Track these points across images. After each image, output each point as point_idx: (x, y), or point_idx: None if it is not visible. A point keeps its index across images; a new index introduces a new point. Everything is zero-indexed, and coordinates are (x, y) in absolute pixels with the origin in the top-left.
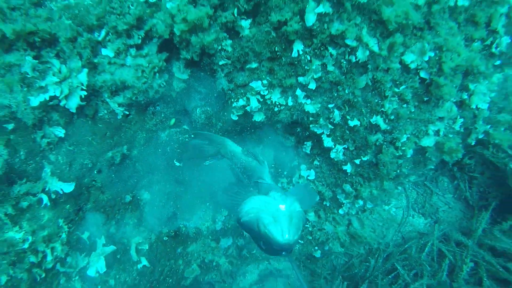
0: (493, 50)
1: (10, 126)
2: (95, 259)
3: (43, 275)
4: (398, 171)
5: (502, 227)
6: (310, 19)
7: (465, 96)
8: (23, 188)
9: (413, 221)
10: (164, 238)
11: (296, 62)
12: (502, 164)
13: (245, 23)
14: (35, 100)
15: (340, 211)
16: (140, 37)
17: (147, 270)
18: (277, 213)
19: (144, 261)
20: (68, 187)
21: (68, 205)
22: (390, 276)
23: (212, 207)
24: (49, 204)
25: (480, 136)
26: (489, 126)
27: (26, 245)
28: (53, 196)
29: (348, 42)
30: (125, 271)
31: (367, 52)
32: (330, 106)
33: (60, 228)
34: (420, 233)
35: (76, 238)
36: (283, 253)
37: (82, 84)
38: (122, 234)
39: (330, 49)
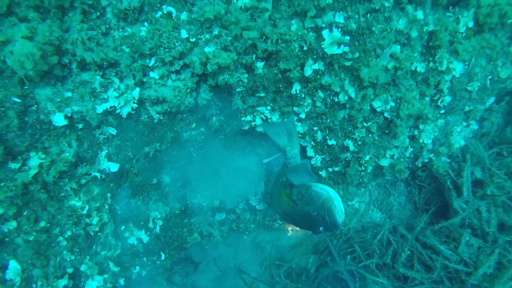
0: (439, 103)
1: (80, 126)
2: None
3: (92, 233)
4: (360, 180)
5: (433, 228)
6: (308, 71)
7: (416, 133)
8: (84, 170)
9: (372, 214)
10: (176, 211)
11: (293, 97)
12: (443, 180)
13: (260, 64)
14: (100, 108)
15: None
16: (180, 65)
17: (160, 234)
18: (337, 199)
19: (158, 228)
20: (114, 167)
21: (112, 184)
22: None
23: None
24: (100, 178)
25: (426, 161)
26: (432, 155)
27: (84, 212)
28: (103, 176)
29: (333, 88)
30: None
31: (346, 97)
32: (315, 128)
33: (106, 200)
34: (376, 224)
35: (114, 209)
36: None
37: (134, 99)
38: (146, 206)
39: (320, 92)
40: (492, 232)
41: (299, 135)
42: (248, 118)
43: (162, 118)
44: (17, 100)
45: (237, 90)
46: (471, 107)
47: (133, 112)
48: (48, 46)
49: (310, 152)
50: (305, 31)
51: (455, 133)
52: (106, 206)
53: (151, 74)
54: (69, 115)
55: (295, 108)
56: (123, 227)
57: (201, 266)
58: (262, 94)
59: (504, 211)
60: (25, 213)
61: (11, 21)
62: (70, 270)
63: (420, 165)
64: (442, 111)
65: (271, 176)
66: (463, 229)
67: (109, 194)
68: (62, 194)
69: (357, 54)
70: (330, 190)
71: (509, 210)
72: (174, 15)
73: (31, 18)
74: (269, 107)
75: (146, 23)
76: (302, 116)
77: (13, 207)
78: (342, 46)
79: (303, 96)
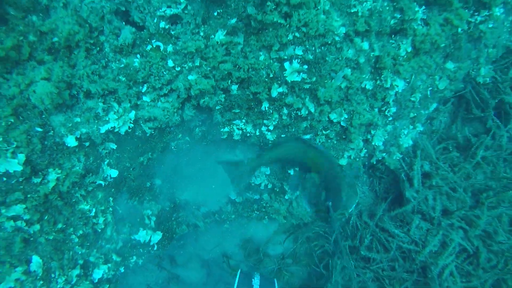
0: (386, 113)
1: (87, 144)
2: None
3: (99, 231)
4: None
5: (390, 214)
6: (274, 93)
7: (369, 137)
8: (90, 179)
9: None
10: (167, 208)
11: (263, 112)
12: (398, 172)
13: (235, 87)
14: (103, 129)
15: (286, 197)
16: (168, 90)
17: (153, 229)
18: None
19: (152, 223)
20: (114, 173)
21: (113, 189)
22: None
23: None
24: (104, 185)
25: (379, 158)
26: (384, 154)
27: (92, 214)
28: (106, 183)
29: (295, 106)
30: (139, 227)
31: (307, 112)
32: (282, 136)
33: (109, 203)
34: None
35: (115, 209)
36: None
37: (131, 119)
38: (141, 206)
39: (285, 109)
40: (437, 216)
41: (269, 143)
42: (226, 129)
43: (153, 132)
44: (39, 129)
45: (216, 108)
46: (416, 114)
47: (130, 130)
48: (62, 83)
49: None
50: (271, 61)
51: (403, 135)
52: (110, 208)
53: (144, 98)
54: (78, 136)
55: (265, 121)
56: (123, 224)
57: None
58: (237, 110)
59: (447, 198)
60: (45, 218)
61: (32, 65)
62: (81, 262)
63: (374, 163)
64: (390, 119)
65: None
66: (414, 214)
67: (111, 198)
68: (74, 200)
69: (314, 79)
70: None
71: (451, 198)
72: (162, 48)
73: (46, 60)
74: (243, 120)
75: (138, 55)
76: (271, 128)
77: (37, 214)
78: (301, 73)
79: (271, 111)
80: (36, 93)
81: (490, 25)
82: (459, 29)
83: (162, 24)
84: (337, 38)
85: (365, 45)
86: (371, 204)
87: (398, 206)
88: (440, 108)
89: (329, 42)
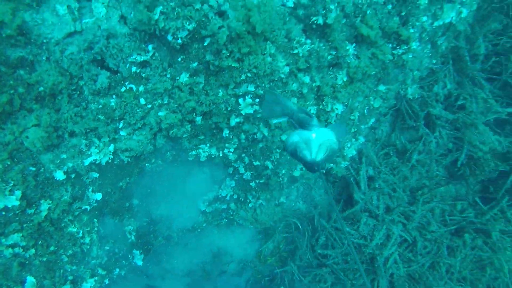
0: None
1: (73, 175)
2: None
3: (86, 250)
4: (280, 187)
5: (343, 214)
6: (232, 123)
7: None
8: (77, 205)
9: (299, 206)
10: (144, 224)
11: (224, 138)
12: (348, 177)
13: (199, 118)
14: (86, 162)
15: (250, 205)
16: (141, 124)
17: (134, 242)
18: (309, 140)
19: (133, 238)
20: (99, 195)
21: (96, 212)
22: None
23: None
24: (89, 209)
25: (328, 168)
26: (332, 164)
27: (80, 235)
28: (90, 207)
29: (251, 131)
30: (121, 242)
31: (262, 135)
32: (242, 155)
33: (93, 224)
34: (303, 212)
35: (99, 230)
36: (316, 168)
37: (110, 152)
38: (121, 223)
39: (242, 135)
40: (381, 214)
41: (232, 162)
42: (194, 152)
43: (130, 160)
44: (32, 168)
45: (184, 136)
46: (356, 129)
47: (110, 160)
48: (50, 127)
49: (241, 170)
50: (228, 97)
51: (347, 148)
52: (95, 228)
53: (121, 132)
54: (66, 170)
55: (226, 145)
56: (106, 241)
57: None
58: (202, 137)
59: (389, 197)
60: (39, 242)
61: (23, 114)
62: (70, 277)
63: (324, 172)
64: (354, 130)
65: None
66: (362, 213)
67: (95, 219)
68: (63, 225)
69: None
70: (324, 131)
71: (392, 197)
72: (134, 89)
73: (35, 108)
74: (208, 145)
75: (114, 96)
76: (232, 150)
77: (32, 240)
78: (254, 106)
79: (231, 137)
80: (29, 138)
81: (410, 56)
82: (386, 60)
83: (134, 69)
84: (282, 75)
85: (307, 79)
86: (327, 205)
87: (350, 207)
88: (381, 119)
89: (276, 79)
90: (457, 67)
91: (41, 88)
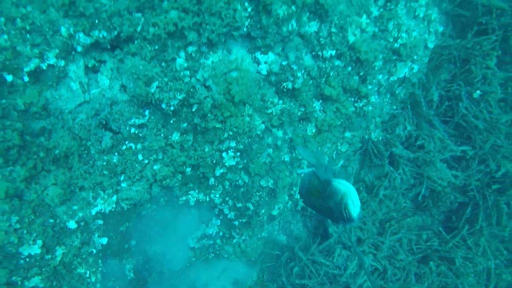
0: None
1: (82, 223)
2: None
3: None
4: (261, 224)
5: (319, 248)
6: (217, 173)
7: (292, 192)
8: (84, 249)
9: (280, 238)
10: (140, 261)
11: (211, 186)
12: None
13: (188, 169)
14: (93, 211)
15: (234, 241)
16: (139, 177)
17: (132, 279)
18: (355, 195)
19: (132, 274)
20: (104, 240)
21: (100, 254)
22: None
23: (162, 242)
24: (94, 252)
25: (303, 205)
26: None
27: (87, 275)
28: (96, 250)
29: (234, 179)
30: (121, 280)
31: (243, 182)
32: (227, 198)
33: (98, 264)
34: (285, 246)
35: (102, 270)
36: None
37: (113, 202)
38: (121, 263)
39: (226, 182)
40: (353, 245)
41: (217, 204)
42: (184, 198)
43: (129, 207)
44: (51, 220)
45: (176, 185)
46: None
47: (112, 209)
48: (65, 185)
49: (226, 211)
50: (213, 152)
51: None
52: (99, 268)
53: (122, 184)
54: (77, 220)
55: (212, 191)
56: (108, 279)
57: None
58: (191, 185)
59: (360, 230)
60: (54, 284)
61: (43, 174)
62: None
63: (300, 209)
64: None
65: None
66: (336, 245)
67: (100, 261)
68: (73, 267)
69: (246, 160)
70: (348, 185)
71: (363, 229)
72: (133, 147)
73: (52, 169)
74: (196, 191)
75: (116, 153)
76: (217, 195)
77: (49, 282)
78: (235, 159)
79: (217, 184)
80: (48, 195)
81: (370, 108)
82: (349, 112)
83: (133, 130)
84: (259, 132)
85: (280, 133)
86: (306, 237)
87: (326, 239)
88: (351, 158)
89: (253, 135)
90: (415, 111)
91: (57, 151)
